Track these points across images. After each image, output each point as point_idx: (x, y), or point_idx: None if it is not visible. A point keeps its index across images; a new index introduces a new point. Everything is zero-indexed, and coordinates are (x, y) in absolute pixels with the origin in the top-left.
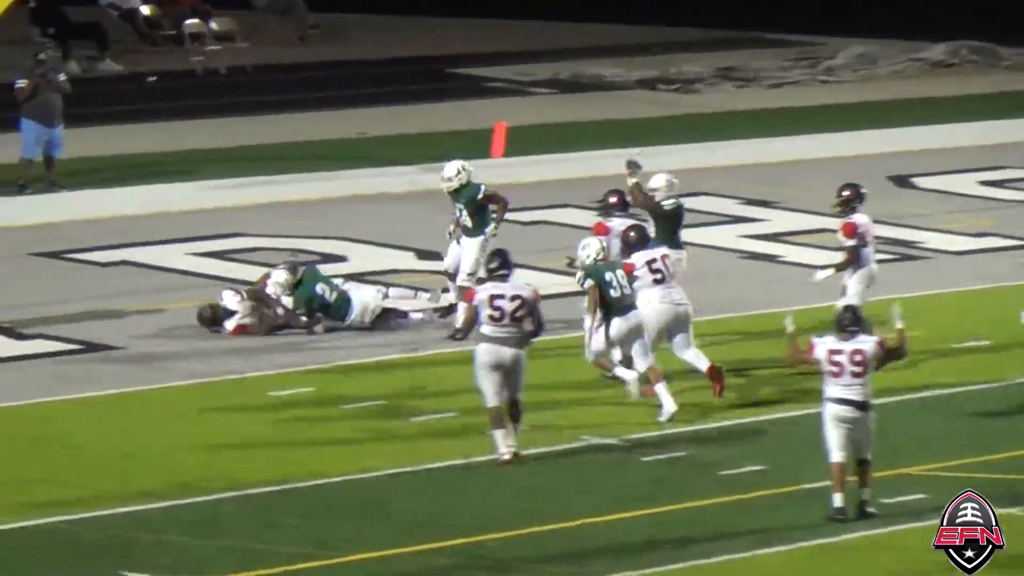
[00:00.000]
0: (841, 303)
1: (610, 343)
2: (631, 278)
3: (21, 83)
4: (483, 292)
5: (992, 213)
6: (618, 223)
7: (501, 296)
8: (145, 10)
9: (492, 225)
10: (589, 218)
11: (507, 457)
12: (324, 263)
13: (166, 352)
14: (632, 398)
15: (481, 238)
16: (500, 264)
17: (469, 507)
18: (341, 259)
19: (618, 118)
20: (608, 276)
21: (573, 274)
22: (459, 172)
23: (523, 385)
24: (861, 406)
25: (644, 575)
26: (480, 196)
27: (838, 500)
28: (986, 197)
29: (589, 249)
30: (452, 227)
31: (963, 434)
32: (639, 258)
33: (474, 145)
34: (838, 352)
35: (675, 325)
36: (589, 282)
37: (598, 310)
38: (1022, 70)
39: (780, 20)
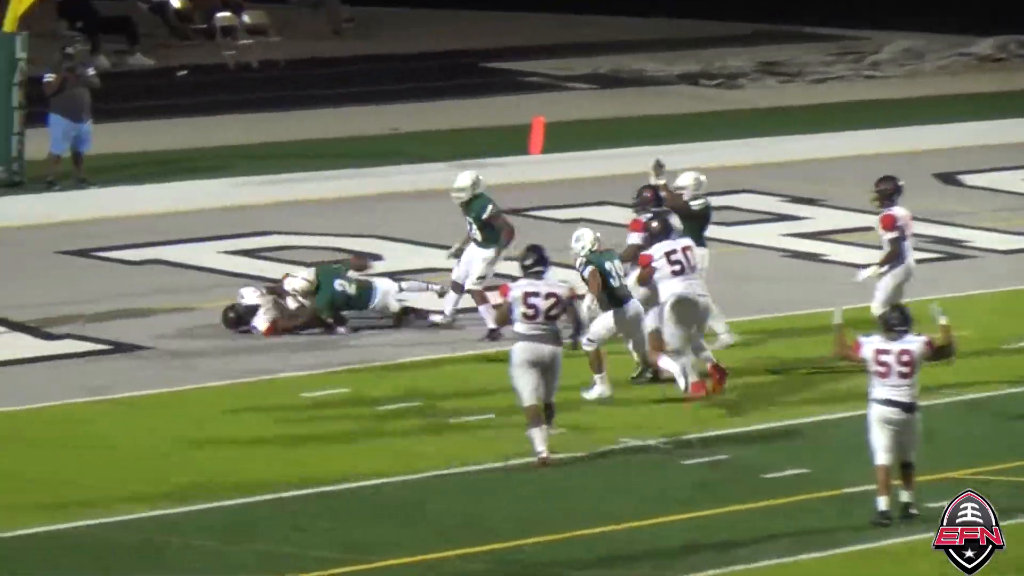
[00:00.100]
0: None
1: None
2: (649, 269)
3: (49, 77)
4: (517, 289)
5: None
6: None
7: (536, 294)
8: (176, 3)
9: (496, 249)
10: (629, 216)
11: (546, 455)
12: (380, 277)
13: (197, 352)
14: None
15: (492, 251)
16: (535, 261)
17: (506, 510)
18: (375, 257)
19: (659, 114)
20: (608, 265)
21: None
22: (472, 184)
23: (557, 388)
24: (908, 407)
25: None
26: (485, 216)
27: (883, 503)
28: None
29: (584, 240)
30: (457, 245)
31: (1011, 437)
32: (658, 249)
33: (509, 141)
34: (885, 352)
35: (694, 316)
36: (589, 268)
37: (601, 295)
38: None
39: (824, 14)
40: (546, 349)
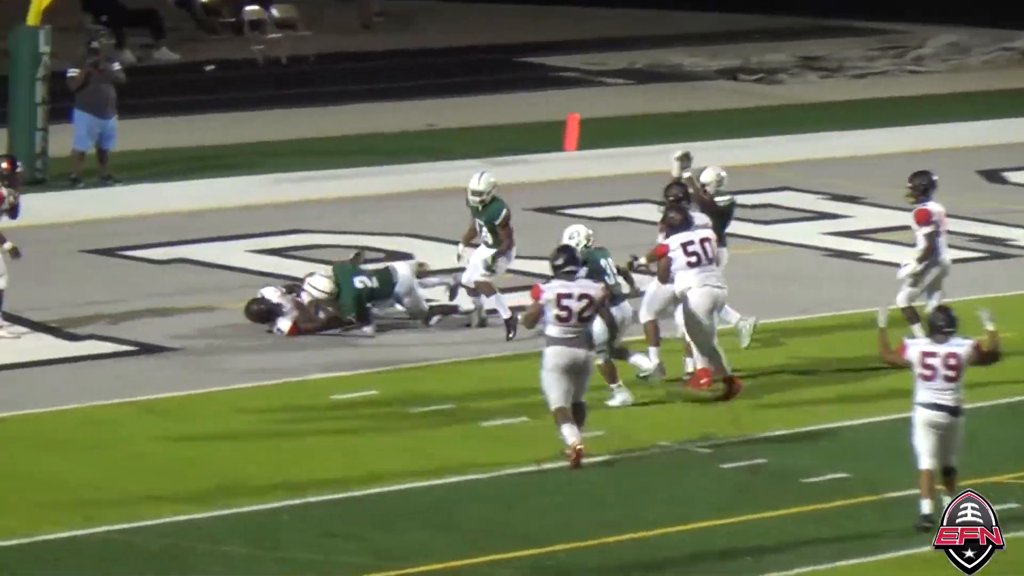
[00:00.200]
0: (932, 304)
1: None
2: (666, 260)
3: (73, 72)
4: (550, 291)
5: None
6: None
7: (569, 295)
8: None
9: (493, 255)
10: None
11: (580, 446)
12: (390, 261)
13: (224, 353)
14: (651, 378)
15: (503, 259)
16: (566, 261)
17: (539, 516)
18: (408, 256)
19: (697, 109)
20: (603, 263)
21: (642, 271)
22: (492, 187)
23: (587, 388)
24: (953, 411)
25: None
26: (498, 221)
27: (927, 507)
28: None
29: (578, 237)
30: (462, 246)
31: None
32: (675, 240)
33: (543, 138)
34: (932, 355)
35: (710, 308)
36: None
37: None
38: None
39: (865, 7)
40: (580, 353)
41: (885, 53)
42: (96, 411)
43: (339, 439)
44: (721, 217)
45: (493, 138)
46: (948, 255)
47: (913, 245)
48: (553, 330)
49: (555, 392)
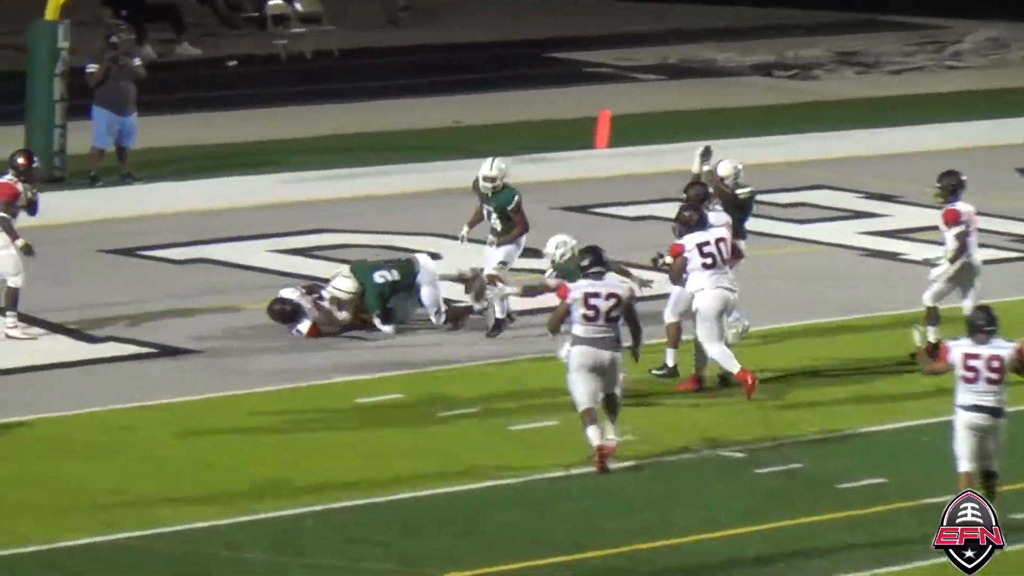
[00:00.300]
0: (967, 304)
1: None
2: (681, 260)
3: (92, 68)
4: (577, 291)
5: None
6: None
7: (596, 295)
8: None
9: (512, 243)
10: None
11: (613, 444)
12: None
13: (246, 355)
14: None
15: (512, 247)
16: (593, 261)
17: (567, 521)
18: (434, 256)
19: (731, 106)
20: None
21: (665, 270)
22: (503, 173)
23: (621, 380)
24: (996, 413)
25: None
26: (511, 207)
27: None
28: None
29: (563, 248)
30: (466, 230)
31: None
32: (690, 239)
33: (574, 135)
34: (974, 357)
35: (721, 309)
36: (558, 280)
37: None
38: None
39: (904, 1)
40: (605, 355)
41: (923, 48)
42: (115, 415)
43: (363, 443)
44: (741, 210)
45: (521, 135)
46: (979, 255)
47: (943, 245)
48: (579, 330)
49: (583, 393)
